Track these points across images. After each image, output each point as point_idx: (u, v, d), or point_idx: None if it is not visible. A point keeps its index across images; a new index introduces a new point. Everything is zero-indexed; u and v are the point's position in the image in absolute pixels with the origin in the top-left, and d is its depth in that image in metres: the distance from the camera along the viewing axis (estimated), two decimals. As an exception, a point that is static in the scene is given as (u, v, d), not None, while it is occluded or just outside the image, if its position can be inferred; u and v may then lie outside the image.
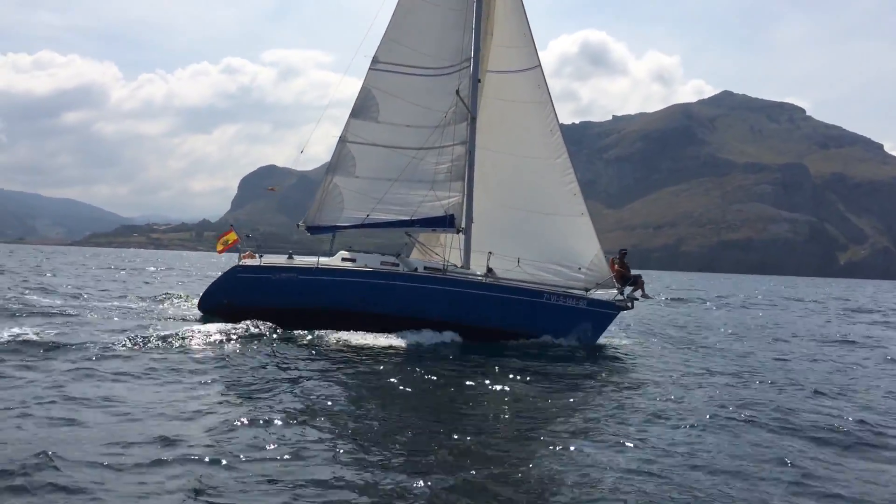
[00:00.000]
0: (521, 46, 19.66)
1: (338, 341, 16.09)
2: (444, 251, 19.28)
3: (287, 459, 7.74)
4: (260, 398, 10.52)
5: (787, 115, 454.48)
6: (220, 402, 10.17)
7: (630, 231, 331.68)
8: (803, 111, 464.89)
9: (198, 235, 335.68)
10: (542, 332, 18.18)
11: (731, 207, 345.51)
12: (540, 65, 19.64)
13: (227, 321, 17.29)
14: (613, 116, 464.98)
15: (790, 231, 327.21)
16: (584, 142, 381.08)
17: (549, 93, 19.64)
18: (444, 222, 18.94)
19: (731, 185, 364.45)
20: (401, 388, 11.99)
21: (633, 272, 19.97)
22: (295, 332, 16.58)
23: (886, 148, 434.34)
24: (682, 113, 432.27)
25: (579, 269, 18.92)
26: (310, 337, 16.30)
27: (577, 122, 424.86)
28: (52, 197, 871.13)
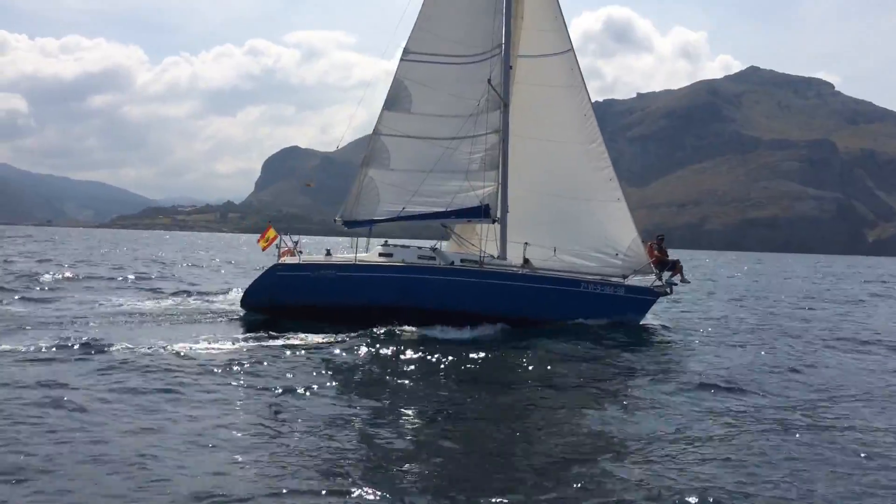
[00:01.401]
0: (553, 30, 19.49)
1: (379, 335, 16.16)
2: (480, 241, 19.28)
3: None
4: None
5: (814, 91, 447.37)
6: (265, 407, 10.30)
7: (653, 209, 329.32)
8: (832, 86, 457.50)
9: (222, 217, 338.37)
10: (580, 321, 18.22)
11: (756, 185, 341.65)
12: (573, 48, 19.46)
13: (268, 319, 17.48)
14: (637, 94, 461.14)
15: (817, 209, 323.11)
16: (607, 120, 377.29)
17: (582, 76, 19.49)
18: (480, 213, 18.92)
19: (756, 163, 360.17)
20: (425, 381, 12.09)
21: (671, 257, 19.90)
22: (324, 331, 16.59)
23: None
24: (707, 89, 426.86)
25: (616, 254, 18.93)
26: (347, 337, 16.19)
27: (600, 100, 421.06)
28: (80, 180, 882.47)
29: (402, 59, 19.31)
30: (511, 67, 19.54)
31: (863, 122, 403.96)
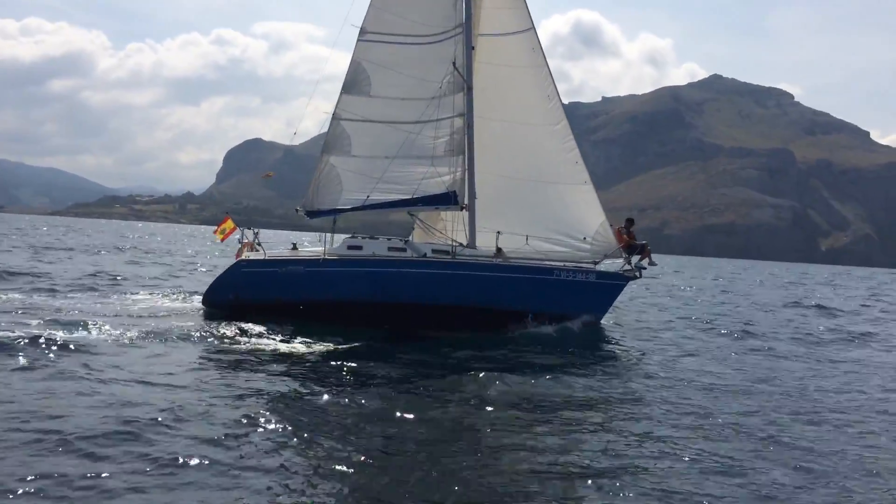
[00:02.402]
0: (513, 7, 18.97)
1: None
2: (447, 229, 18.66)
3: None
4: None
5: (775, 101, 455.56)
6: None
7: (615, 213, 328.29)
8: (791, 96, 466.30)
9: (181, 208, 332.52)
10: (554, 309, 17.75)
11: (715, 191, 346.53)
12: (534, 27, 18.95)
13: (232, 317, 16.53)
14: (602, 98, 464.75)
15: (773, 216, 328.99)
16: (572, 122, 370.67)
17: (544, 56, 19.05)
18: (447, 199, 18.24)
19: (716, 170, 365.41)
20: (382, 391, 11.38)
21: (639, 241, 19.58)
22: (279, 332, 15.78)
23: (873, 136, 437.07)
24: (670, 96, 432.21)
25: (584, 238, 18.56)
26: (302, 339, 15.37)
27: (566, 102, 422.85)
28: (36, 166, 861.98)
29: (358, 40, 18.46)
30: (473, 48, 18.83)
31: (820, 133, 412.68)
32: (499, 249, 17.94)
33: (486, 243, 18.18)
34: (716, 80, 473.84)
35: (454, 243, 17.84)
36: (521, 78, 18.80)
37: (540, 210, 18.50)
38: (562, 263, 18.14)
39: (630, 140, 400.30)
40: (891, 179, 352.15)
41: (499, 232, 17.91)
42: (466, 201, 18.48)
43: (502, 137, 18.76)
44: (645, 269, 19.20)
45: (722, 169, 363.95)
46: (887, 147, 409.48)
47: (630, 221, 20.03)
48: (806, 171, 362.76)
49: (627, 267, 18.69)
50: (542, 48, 18.92)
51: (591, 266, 18.39)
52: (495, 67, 18.85)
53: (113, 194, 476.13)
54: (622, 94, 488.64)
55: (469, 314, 17.02)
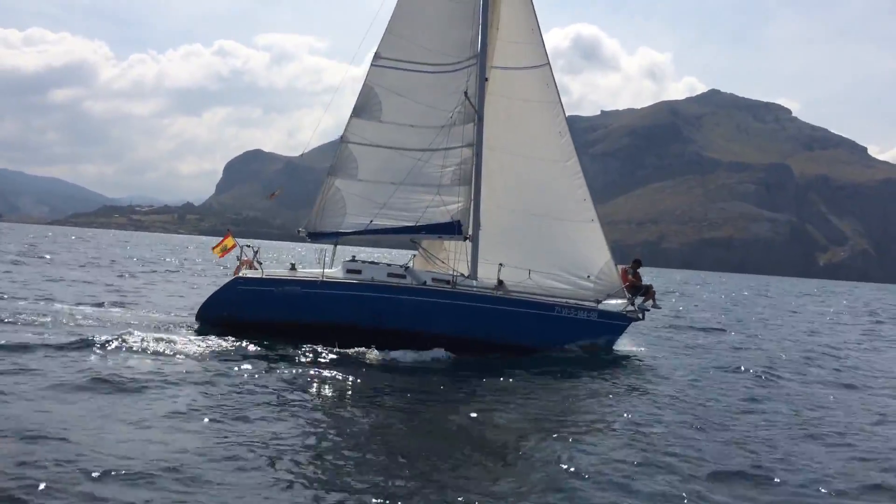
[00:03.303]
0: (529, 42, 18.83)
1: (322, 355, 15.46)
2: (450, 258, 18.55)
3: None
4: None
5: (773, 116, 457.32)
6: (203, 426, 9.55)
7: (613, 226, 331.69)
8: (789, 112, 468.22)
9: (180, 218, 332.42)
10: (553, 345, 17.61)
11: (713, 206, 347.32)
12: (549, 63, 18.85)
13: (226, 334, 16.54)
14: (601, 111, 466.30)
15: (771, 231, 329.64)
16: (570, 135, 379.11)
17: (558, 93, 18.90)
18: (451, 229, 18.16)
19: (714, 184, 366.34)
20: (390, 404, 11.51)
21: (644, 282, 19.47)
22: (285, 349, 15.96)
23: (871, 151, 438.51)
24: (668, 110, 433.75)
25: (588, 276, 18.34)
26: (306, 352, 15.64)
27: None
28: (36, 175, 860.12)
29: (372, 65, 18.39)
30: (486, 79, 18.89)
31: (818, 148, 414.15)
32: (500, 282, 17.75)
33: (488, 275, 18.03)
34: (714, 94, 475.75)
35: (455, 273, 17.78)
36: (534, 112, 18.73)
37: (545, 245, 18.38)
38: (563, 300, 17.97)
39: (629, 154, 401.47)
40: (888, 195, 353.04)
41: (501, 264, 17.74)
42: (471, 232, 18.40)
43: (511, 170, 18.70)
44: (649, 310, 18.94)
45: (720, 183, 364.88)
46: (885, 163, 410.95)
47: (637, 263, 19.81)
48: (804, 186, 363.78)
49: (631, 308, 18.46)
50: (556, 84, 18.87)
51: (594, 304, 18.19)
52: (508, 100, 18.81)
53: (113, 204, 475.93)
54: (621, 107, 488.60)
55: (466, 345, 16.84)
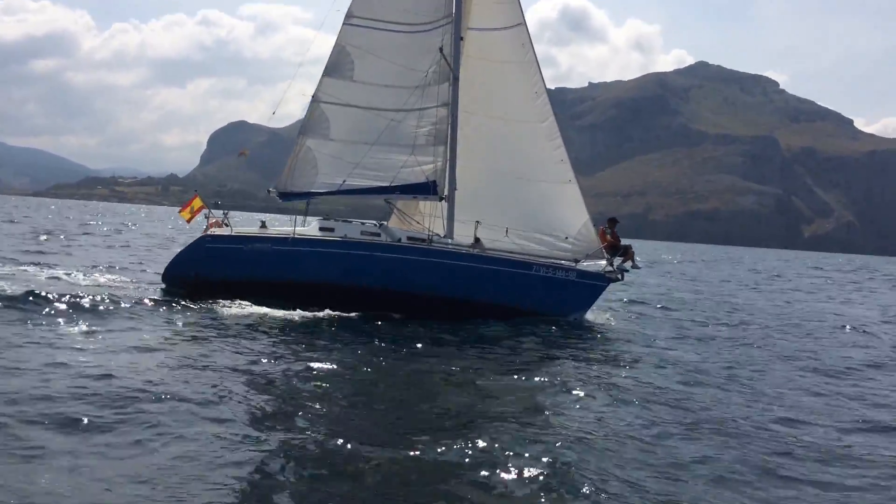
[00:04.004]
0: (504, 2, 18.54)
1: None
2: (425, 220, 18.20)
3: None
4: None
5: (760, 88, 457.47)
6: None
7: (599, 198, 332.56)
8: (776, 84, 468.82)
9: (164, 190, 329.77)
10: (531, 305, 17.25)
11: (700, 178, 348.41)
12: (524, 22, 18.54)
13: (192, 295, 16.17)
14: (589, 83, 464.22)
15: (757, 203, 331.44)
16: (558, 107, 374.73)
17: (534, 52, 18.61)
18: (426, 189, 17.77)
19: (701, 156, 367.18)
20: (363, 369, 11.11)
21: (623, 242, 19.13)
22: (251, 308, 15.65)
23: (857, 124, 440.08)
24: (656, 82, 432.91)
25: (566, 238, 18.09)
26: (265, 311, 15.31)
27: (552, 87, 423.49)
28: (17, 146, 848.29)
29: (344, 23, 17.97)
30: (462, 38, 18.45)
31: (805, 121, 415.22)
32: (477, 240, 17.42)
33: (464, 236, 17.69)
34: (702, 66, 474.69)
35: (431, 233, 17.39)
36: (510, 74, 18.37)
37: (522, 207, 18.07)
38: (541, 259, 17.64)
39: (616, 126, 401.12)
40: (873, 167, 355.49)
41: (478, 222, 17.43)
42: (446, 192, 18.02)
43: (487, 132, 18.36)
44: (627, 271, 18.61)
45: (707, 155, 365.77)
46: (871, 135, 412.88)
47: (613, 221, 19.48)
48: (790, 159, 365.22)
49: (609, 268, 18.08)
50: (532, 44, 18.47)
51: (572, 265, 17.87)
52: (483, 62, 18.44)
53: (96, 175, 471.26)
54: (609, 79, 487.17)
55: (440, 304, 16.55)
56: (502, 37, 18.53)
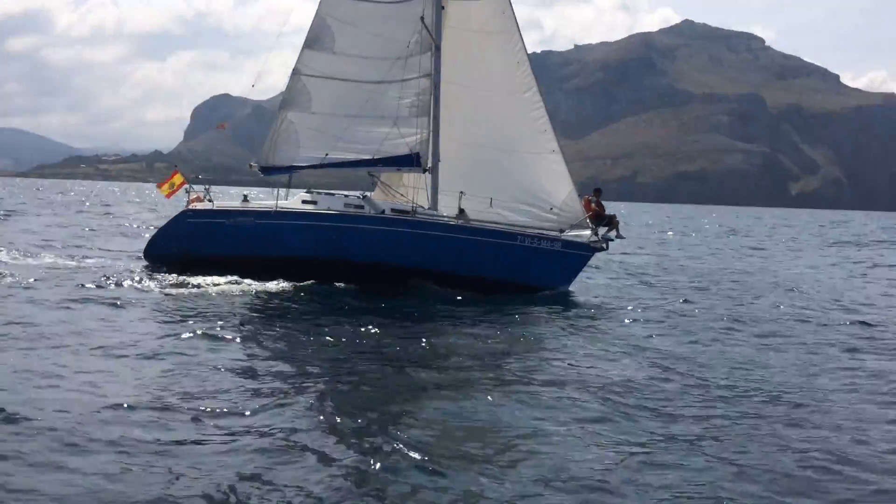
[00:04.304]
0: None
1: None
2: (409, 192, 18.14)
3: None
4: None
5: (745, 45, 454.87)
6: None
7: (589, 162, 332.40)
8: (762, 41, 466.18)
9: (148, 167, 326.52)
10: (516, 276, 17.22)
11: (687, 138, 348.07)
12: None
13: (176, 270, 16.19)
14: (575, 46, 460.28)
15: (744, 162, 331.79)
16: (544, 71, 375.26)
17: (515, 21, 18.42)
18: (410, 161, 17.71)
19: (688, 116, 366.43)
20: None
21: (607, 212, 19.05)
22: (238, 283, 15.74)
23: (844, 79, 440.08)
24: (642, 42, 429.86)
25: (551, 208, 18.02)
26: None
27: (538, 51, 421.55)
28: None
29: None
30: (443, 8, 18.27)
31: (791, 77, 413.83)
32: (461, 211, 17.40)
33: (448, 207, 17.68)
34: (687, 25, 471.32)
35: (415, 205, 17.33)
36: (491, 44, 18.22)
37: (506, 178, 17.98)
38: (526, 230, 17.59)
39: (602, 88, 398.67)
40: (860, 123, 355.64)
41: (462, 192, 17.39)
42: (430, 164, 17.96)
43: (469, 104, 18.23)
44: (612, 240, 18.52)
45: (694, 115, 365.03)
46: (857, 90, 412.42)
47: (598, 192, 19.42)
48: (776, 116, 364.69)
49: (594, 238, 17.94)
50: (514, 13, 18.28)
51: (557, 234, 17.77)
52: (465, 33, 18.28)
53: (79, 154, 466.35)
54: (595, 41, 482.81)
55: (426, 277, 16.59)
56: (483, 6, 18.35)
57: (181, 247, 16.61)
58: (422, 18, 17.61)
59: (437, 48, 18.06)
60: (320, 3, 17.87)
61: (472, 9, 18.39)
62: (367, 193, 18.04)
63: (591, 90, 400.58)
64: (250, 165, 17.86)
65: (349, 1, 17.82)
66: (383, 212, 17.02)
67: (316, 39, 17.92)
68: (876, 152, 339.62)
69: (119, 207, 56.08)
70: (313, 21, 17.95)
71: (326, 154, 17.55)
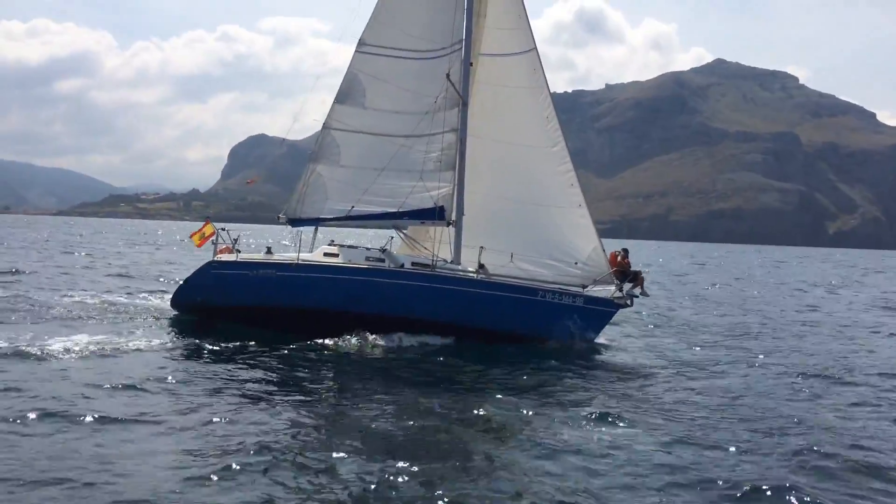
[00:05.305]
0: (516, 28, 18.67)
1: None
2: (433, 245, 18.33)
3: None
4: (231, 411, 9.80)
5: (779, 84, 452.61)
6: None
7: (620, 200, 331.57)
8: (796, 79, 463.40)
9: (185, 205, 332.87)
10: (536, 332, 17.14)
11: (721, 177, 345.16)
12: (535, 48, 18.69)
13: (201, 319, 16.68)
14: (606, 85, 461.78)
15: (780, 200, 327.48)
16: (576, 110, 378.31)
17: (544, 77, 18.71)
18: (434, 214, 17.91)
19: (721, 155, 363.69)
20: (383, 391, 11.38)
21: (634, 268, 18.96)
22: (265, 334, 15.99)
23: (879, 117, 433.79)
24: (674, 81, 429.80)
25: (576, 263, 18.02)
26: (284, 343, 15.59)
27: (570, 90, 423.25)
28: (44, 167, 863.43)
29: (357, 51, 18.30)
30: (471, 64, 18.70)
31: (826, 116, 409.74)
32: (481, 265, 17.35)
33: (472, 262, 17.69)
34: (719, 64, 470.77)
35: (436, 257, 17.43)
36: (520, 99, 18.49)
37: (530, 232, 18.09)
38: (547, 285, 17.56)
39: (634, 127, 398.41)
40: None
41: (482, 247, 17.39)
42: (454, 217, 18.15)
43: (497, 157, 18.46)
44: (637, 297, 18.36)
45: (727, 154, 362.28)
46: (894, 128, 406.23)
47: (626, 252, 19.11)
48: (812, 155, 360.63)
49: (619, 294, 17.83)
50: (542, 69, 18.55)
51: (579, 290, 17.74)
52: (494, 88, 18.63)
53: (120, 193, 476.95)
54: (627, 80, 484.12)
55: (445, 331, 16.63)
56: (513, 62, 18.67)
57: (206, 297, 17.00)
58: (447, 75, 17.99)
59: (465, 104, 18.40)
60: (352, 59, 18.31)
61: (503, 65, 18.70)
62: (387, 247, 18.19)
63: (623, 129, 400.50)
64: (278, 217, 18.22)
65: (380, 57, 18.22)
66: (402, 265, 17.16)
67: (347, 94, 18.35)
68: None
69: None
70: (345, 77, 18.39)
71: (353, 207, 17.87)
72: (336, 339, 15.98)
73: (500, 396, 12.01)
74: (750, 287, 41.68)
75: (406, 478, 7.75)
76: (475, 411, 10.92)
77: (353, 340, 15.96)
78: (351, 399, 11.48)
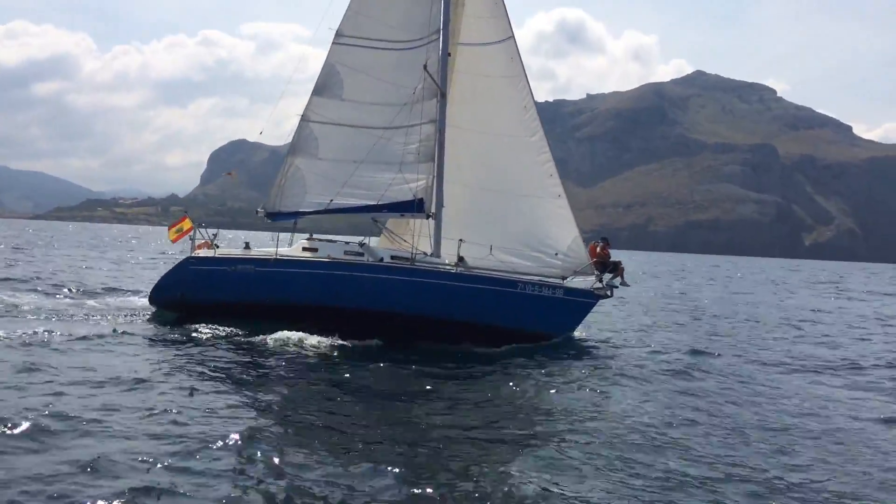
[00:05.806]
0: (494, 17, 18.52)
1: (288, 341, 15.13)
2: (413, 238, 18.11)
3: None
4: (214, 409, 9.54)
5: (758, 96, 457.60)
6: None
7: (600, 210, 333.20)
8: (774, 92, 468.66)
9: (164, 210, 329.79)
10: (516, 324, 16.90)
11: (699, 188, 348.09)
12: (513, 36, 18.50)
13: (179, 316, 16.38)
14: (587, 95, 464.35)
15: (757, 212, 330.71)
16: (557, 120, 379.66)
17: (522, 66, 18.56)
18: (413, 207, 17.72)
19: (700, 166, 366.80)
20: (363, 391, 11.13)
21: (613, 259, 18.93)
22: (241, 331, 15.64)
23: (857, 130, 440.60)
24: (654, 92, 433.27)
25: (556, 254, 17.87)
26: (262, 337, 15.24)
27: (551, 99, 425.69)
28: (21, 170, 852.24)
29: (334, 43, 18.15)
30: (449, 55, 18.54)
31: (803, 128, 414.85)
32: (461, 258, 17.16)
33: (452, 254, 17.48)
34: (699, 75, 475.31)
35: (416, 251, 17.18)
36: (499, 88, 18.35)
37: (511, 223, 17.90)
38: (527, 277, 17.37)
39: (615, 137, 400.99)
40: (873, 174, 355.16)
41: (461, 240, 17.20)
42: (433, 209, 17.94)
43: (476, 148, 18.27)
44: (617, 287, 18.32)
45: (706, 165, 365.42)
46: (870, 142, 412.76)
47: (605, 241, 19.19)
48: (789, 167, 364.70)
49: (598, 285, 17.75)
50: (520, 58, 18.42)
51: (559, 281, 17.59)
52: (473, 77, 18.47)
53: (98, 197, 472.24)
54: (608, 90, 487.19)
55: (423, 325, 16.34)
56: (491, 51, 18.52)
57: (184, 293, 16.70)
58: (425, 66, 17.81)
59: (443, 95, 18.23)
60: (330, 51, 18.16)
61: (481, 54, 18.55)
62: (366, 241, 17.94)
63: (604, 139, 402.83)
64: (257, 211, 18.03)
65: (358, 48, 18.06)
66: (381, 259, 16.91)
67: (325, 86, 18.19)
68: (890, 204, 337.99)
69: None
70: (322, 69, 18.24)
71: (331, 200, 17.65)
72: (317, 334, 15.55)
73: (478, 392, 11.86)
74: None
75: (387, 476, 7.54)
76: (459, 407, 10.75)
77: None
78: (334, 396, 11.28)
